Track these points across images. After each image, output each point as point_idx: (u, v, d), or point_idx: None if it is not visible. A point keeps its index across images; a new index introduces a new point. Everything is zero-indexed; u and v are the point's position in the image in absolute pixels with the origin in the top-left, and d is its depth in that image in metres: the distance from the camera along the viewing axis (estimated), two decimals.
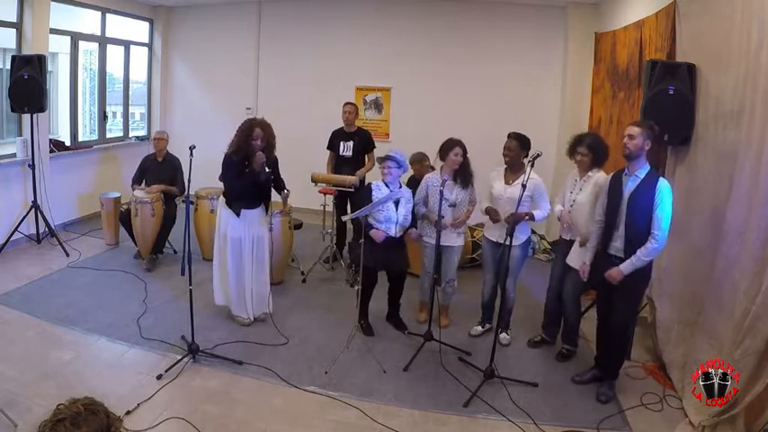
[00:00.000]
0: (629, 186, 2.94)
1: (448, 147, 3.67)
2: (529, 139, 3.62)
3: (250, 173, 3.61)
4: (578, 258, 3.33)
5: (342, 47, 6.66)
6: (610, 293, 3.06)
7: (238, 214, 3.70)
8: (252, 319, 3.88)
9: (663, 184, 2.86)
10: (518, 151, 3.59)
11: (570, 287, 3.50)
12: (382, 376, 3.33)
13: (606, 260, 3.05)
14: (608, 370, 3.23)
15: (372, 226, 3.66)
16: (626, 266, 2.92)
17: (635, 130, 2.89)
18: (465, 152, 3.68)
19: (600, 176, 3.35)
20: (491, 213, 3.61)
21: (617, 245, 2.99)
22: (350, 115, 4.99)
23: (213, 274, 3.87)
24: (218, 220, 3.81)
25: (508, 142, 3.63)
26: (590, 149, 3.38)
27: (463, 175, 3.71)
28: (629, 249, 2.92)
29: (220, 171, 3.71)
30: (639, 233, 2.88)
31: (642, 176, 2.91)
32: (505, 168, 3.68)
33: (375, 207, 3.57)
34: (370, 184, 3.78)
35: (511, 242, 3.25)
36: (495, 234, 3.69)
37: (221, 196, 3.81)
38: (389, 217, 3.65)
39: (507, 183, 3.64)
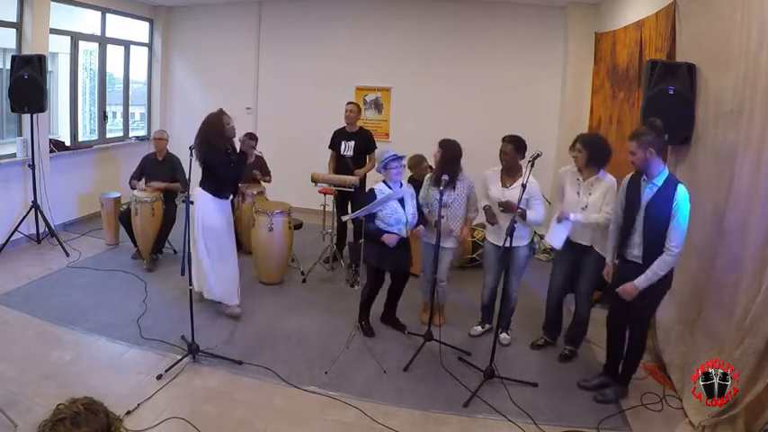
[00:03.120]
0: (647, 194, 2.85)
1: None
2: (524, 141, 3.58)
3: (239, 156, 3.97)
4: (556, 235, 3.37)
5: (342, 47, 6.66)
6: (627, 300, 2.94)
7: (230, 198, 3.99)
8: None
9: (681, 192, 2.76)
10: (514, 155, 3.55)
11: (586, 286, 3.46)
12: (382, 376, 3.33)
13: (624, 266, 3.00)
14: (623, 376, 3.17)
15: (383, 230, 3.58)
16: (640, 282, 2.83)
17: (632, 145, 2.83)
18: (446, 149, 3.65)
19: (609, 182, 3.30)
20: (488, 215, 3.59)
21: (634, 252, 2.92)
22: (352, 114, 5.00)
23: (206, 270, 3.85)
24: (199, 215, 3.80)
25: (503, 146, 3.59)
26: (584, 146, 3.35)
27: (449, 173, 3.61)
28: (648, 257, 2.85)
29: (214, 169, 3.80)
30: (658, 242, 2.80)
31: (660, 184, 2.82)
32: (501, 170, 3.65)
33: (375, 207, 3.55)
34: (372, 189, 3.72)
35: (511, 242, 3.21)
36: (495, 237, 3.67)
37: (200, 189, 3.83)
38: (399, 218, 3.60)
39: (505, 186, 3.61)
